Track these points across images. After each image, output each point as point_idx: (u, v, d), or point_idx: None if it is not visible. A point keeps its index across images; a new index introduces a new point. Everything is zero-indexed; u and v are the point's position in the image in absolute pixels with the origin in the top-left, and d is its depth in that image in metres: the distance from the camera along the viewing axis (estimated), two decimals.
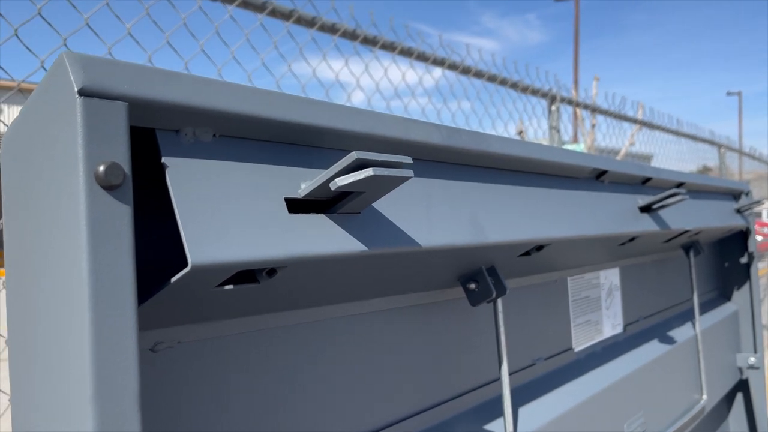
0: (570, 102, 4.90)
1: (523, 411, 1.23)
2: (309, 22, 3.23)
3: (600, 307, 1.69)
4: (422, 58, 4.00)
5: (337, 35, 3.56)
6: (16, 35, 1.90)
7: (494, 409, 1.19)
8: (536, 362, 1.38)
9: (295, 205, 0.69)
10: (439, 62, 4.10)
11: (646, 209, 1.56)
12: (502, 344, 1.11)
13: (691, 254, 2.13)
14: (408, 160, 0.71)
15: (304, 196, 0.69)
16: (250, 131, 0.67)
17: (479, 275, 1.08)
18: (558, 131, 4.76)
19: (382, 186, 0.70)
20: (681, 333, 2.05)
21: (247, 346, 0.79)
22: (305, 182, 0.70)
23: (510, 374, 1.30)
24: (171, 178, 0.58)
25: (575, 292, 1.57)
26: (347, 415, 0.92)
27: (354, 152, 0.65)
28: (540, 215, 1.11)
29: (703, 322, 2.20)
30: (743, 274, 2.64)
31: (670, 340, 1.95)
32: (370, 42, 3.58)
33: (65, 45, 2.09)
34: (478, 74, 4.07)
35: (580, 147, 7.30)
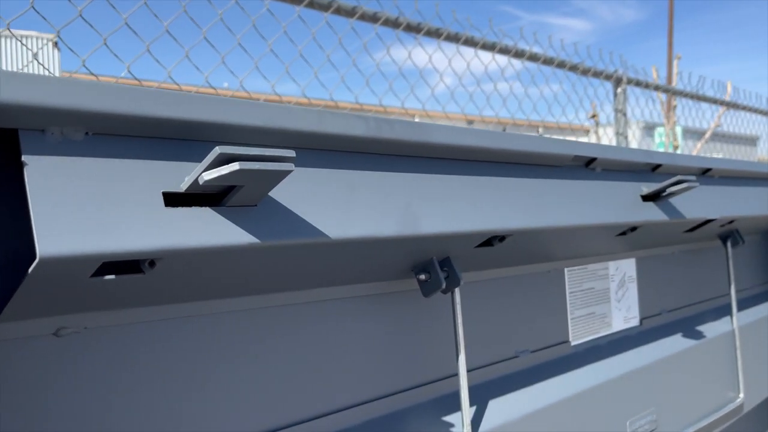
0: (639, 84, 4.69)
1: (494, 404, 1.21)
2: (393, 23, 3.35)
3: (609, 300, 1.63)
4: (490, 47, 3.97)
5: (422, 34, 3.62)
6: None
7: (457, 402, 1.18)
8: (520, 355, 1.35)
9: (179, 199, 0.71)
10: (504, 51, 4.05)
11: (652, 198, 1.49)
12: (459, 336, 1.10)
13: (729, 245, 2.01)
14: (289, 153, 0.71)
15: (186, 190, 0.71)
16: (127, 129, 0.69)
17: (430, 266, 1.07)
18: (624, 114, 4.57)
19: (265, 179, 0.71)
20: (714, 328, 1.94)
21: (152, 334, 0.82)
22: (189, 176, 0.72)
23: (484, 366, 1.28)
24: (29, 175, 0.62)
25: (574, 283, 1.52)
26: (247, 411, 0.94)
27: (217, 147, 0.66)
28: (497, 205, 1.09)
29: (744, 317, 2.07)
30: None
31: (698, 335, 1.85)
32: (452, 38, 3.65)
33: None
34: (533, 57, 3.98)
35: (665, 131, 7.00)
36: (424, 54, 3.78)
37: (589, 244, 1.46)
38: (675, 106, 6.54)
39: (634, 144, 5.89)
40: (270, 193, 0.78)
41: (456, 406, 1.12)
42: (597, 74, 4.38)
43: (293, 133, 0.82)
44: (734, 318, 1.97)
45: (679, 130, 6.79)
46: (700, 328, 1.90)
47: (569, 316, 1.49)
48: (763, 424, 2.22)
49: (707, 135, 6.84)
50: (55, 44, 17.39)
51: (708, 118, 6.81)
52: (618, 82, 4.55)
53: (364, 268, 1.01)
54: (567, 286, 1.50)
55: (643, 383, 1.59)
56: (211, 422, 0.87)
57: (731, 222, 1.88)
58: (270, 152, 0.69)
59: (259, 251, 0.77)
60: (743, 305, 2.13)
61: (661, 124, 7.61)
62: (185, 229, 0.69)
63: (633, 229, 1.47)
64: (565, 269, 1.50)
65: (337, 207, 0.86)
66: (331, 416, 1.01)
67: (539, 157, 1.20)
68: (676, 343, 1.77)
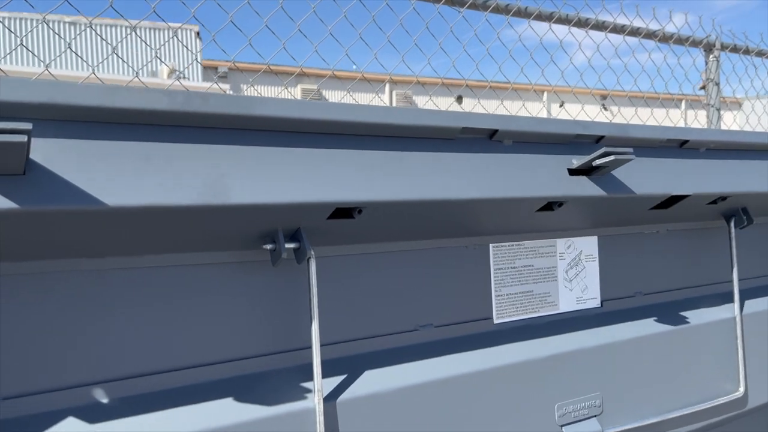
0: (735, 49, 4.29)
1: (366, 375, 1.22)
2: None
3: (555, 278, 1.56)
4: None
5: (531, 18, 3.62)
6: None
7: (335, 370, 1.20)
8: (420, 328, 1.34)
9: None
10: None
11: (584, 172, 1.40)
12: (314, 306, 1.12)
13: (732, 225, 1.83)
14: (23, 126, 0.78)
15: None
16: None
17: (276, 237, 1.11)
18: (717, 84, 4.21)
19: (4, 150, 0.79)
20: (705, 314, 1.79)
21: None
22: None
23: (375, 337, 1.29)
24: None
25: (503, 260, 1.47)
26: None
27: None
28: (348, 178, 1.09)
29: (754, 306, 1.88)
30: None
31: (681, 321, 1.72)
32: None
33: None
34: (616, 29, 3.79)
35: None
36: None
37: (511, 220, 1.41)
38: None
39: (737, 120, 5.40)
40: (48, 163, 0.86)
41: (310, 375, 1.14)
42: (681, 41, 4.05)
43: (74, 108, 0.89)
44: (736, 306, 1.80)
45: None
46: (687, 313, 1.76)
47: (494, 293, 1.45)
48: None
49: None
50: (197, 34, 18.59)
51: None
52: (709, 49, 4.18)
53: (201, 236, 1.06)
54: (492, 263, 1.45)
55: (586, 366, 1.51)
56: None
57: (725, 199, 1.72)
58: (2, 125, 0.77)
59: (29, 217, 0.85)
60: (755, 293, 1.94)
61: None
62: None
63: (560, 204, 1.40)
64: (491, 245, 1.45)
65: (130, 176, 0.92)
66: (177, 372, 1.08)
67: (408, 129, 1.18)
68: (646, 327, 1.66)
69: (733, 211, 1.82)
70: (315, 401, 1.10)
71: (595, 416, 1.51)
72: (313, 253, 1.11)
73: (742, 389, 1.79)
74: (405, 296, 1.33)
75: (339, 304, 1.24)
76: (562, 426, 1.45)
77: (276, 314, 1.17)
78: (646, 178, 1.52)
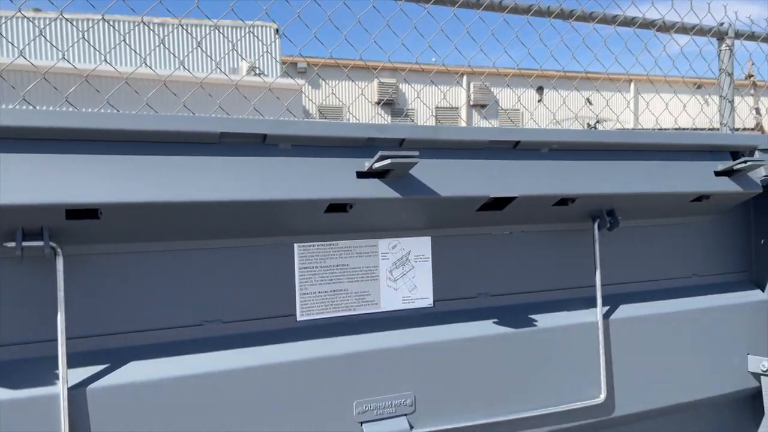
0: (753, 37, 4.04)
1: (140, 365, 1.32)
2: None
3: (377, 278, 1.59)
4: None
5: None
6: None
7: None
8: (205, 324, 1.42)
9: None
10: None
11: (377, 174, 1.43)
12: (60, 300, 1.23)
13: (596, 227, 1.78)
14: None
15: None
16: None
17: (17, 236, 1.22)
18: (730, 75, 3.99)
19: None
20: (563, 318, 1.76)
21: None
22: None
23: (157, 330, 1.38)
24: None
25: (310, 259, 1.52)
26: None
27: None
28: (81, 181, 1.19)
29: (621, 311, 1.83)
30: None
31: (530, 323, 1.71)
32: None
33: None
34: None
35: None
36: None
37: (309, 221, 1.46)
38: None
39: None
40: None
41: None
42: (685, 30, 3.85)
43: None
44: (598, 311, 1.76)
45: None
46: (540, 316, 1.74)
47: (298, 291, 1.51)
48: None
49: None
50: (276, 31, 19.19)
51: None
52: (721, 38, 3.95)
53: None
54: (297, 262, 1.51)
55: (400, 365, 1.54)
56: None
57: (574, 200, 1.68)
58: None
59: None
60: (626, 299, 1.87)
61: None
62: None
63: (351, 205, 1.44)
64: (296, 245, 1.51)
65: None
66: None
67: (160, 135, 1.26)
68: (485, 328, 1.66)
69: (598, 212, 1.78)
70: (60, 389, 1.21)
71: (404, 415, 1.54)
72: (60, 250, 1.22)
73: (602, 396, 1.75)
74: (189, 293, 1.41)
75: (101, 299, 1.34)
76: (361, 423, 1.49)
77: (26, 307, 1.29)
78: (462, 179, 1.53)
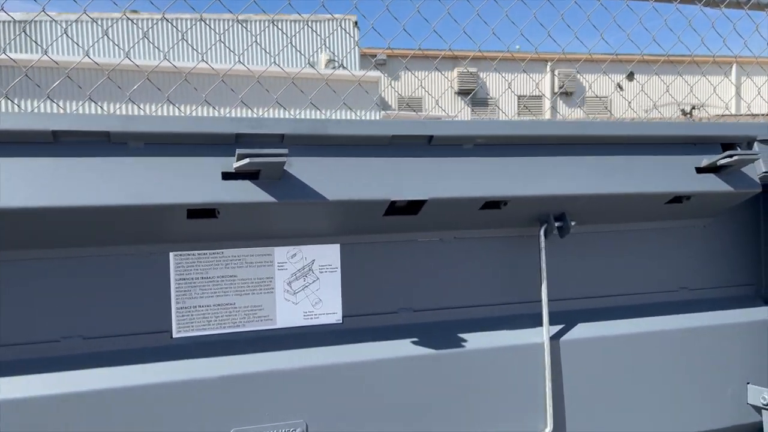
0: None
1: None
2: None
3: (272, 290, 1.42)
4: None
5: None
6: None
7: None
8: (62, 340, 1.30)
9: None
10: None
11: (245, 176, 1.26)
12: None
13: (542, 233, 1.53)
14: None
15: None
16: None
17: None
18: None
19: None
20: (501, 338, 1.52)
21: None
22: None
23: (11, 345, 1.27)
24: None
25: (188, 270, 1.36)
26: None
27: None
28: None
29: (575, 331, 1.56)
30: None
31: (458, 343, 1.48)
32: None
33: None
34: None
35: None
36: None
37: (171, 228, 1.30)
38: None
39: None
40: None
41: None
42: (738, 3, 3.40)
43: None
44: (545, 329, 1.51)
45: None
46: (472, 335, 1.51)
47: (174, 305, 1.36)
48: None
49: None
50: (355, 23, 19.30)
51: None
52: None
53: None
54: (173, 272, 1.36)
55: (293, 388, 1.37)
56: None
57: (506, 203, 1.44)
58: None
59: None
60: (592, 316, 1.60)
61: None
62: None
63: (214, 211, 1.27)
64: (171, 254, 1.36)
65: None
66: None
67: None
68: (400, 348, 1.45)
69: (546, 216, 1.52)
70: None
71: None
72: None
73: (549, 429, 1.50)
74: (46, 306, 1.29)
75: None
76: None
77: None
78: (356, 180, 1.33)
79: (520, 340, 1.52)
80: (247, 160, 1.19)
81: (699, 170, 1.56)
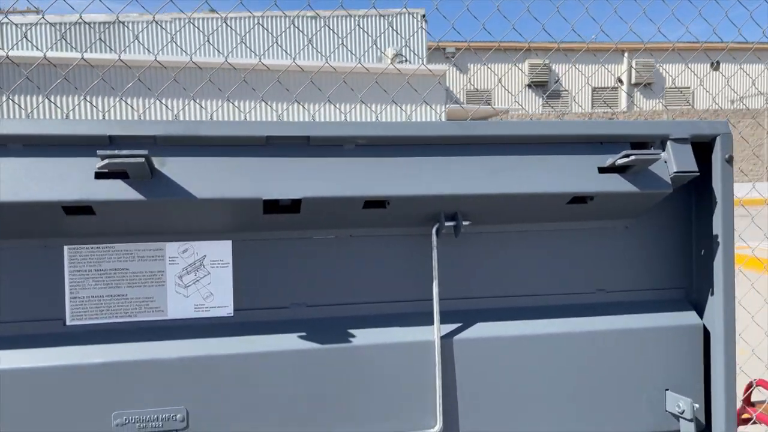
0: None
1: None
2: None
3: (163, 283, 1.49)
4: None
5: None
6: None
7: None
8: None
9: None
10: None
11: (113, 175, 1.33)
12: None
13: (434, 231, 1.53)
14: None
15: None
16: None
17: None
18: None
19: None
20: (390, 334, 1.53)
21: None
22: None
23: None
24: None
25: (82, 262, 1.45)
26: None
27: None
28: None
29: (470, 331, 1.55)
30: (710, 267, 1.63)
31: (346, 338, 1.51)
32: None
33: None
34: None
35: None
36: None
37: (47, 223, 1.39)
38: None
39: None
40: None
41: None
42: None
43: None
44: (435, 328, 1.51)
45: None
46: (362, 331, 1.53)
47: (68, 295, 1.45)
48: None
49: None
50: (423, 17, 19.25)
51: None
52: None
53: None
54: (67, 264, 1.45)
55: (173, 376, 1.44)
56: None
57: (388, 202, 1.45)
58: None
59: None
60: (492, 315, 1.58)
61: None
62: None
63: (91, 208, 1.35)
64: (66, 247, 1.45)
65: None
66: None
67: None
68: (290, 342, 1.50)
69: (437, 216, 1.52)
70: None
71: (175, 430, 1.43)
72: None
73: (438, 426, 1.51)
74: None
75: None
76: None
77: None
78: (228, 180, 1.38)
79: (411, 337, 1.53)
80: (106, 161, 1.26)
81: (602, 170, 1.52)
